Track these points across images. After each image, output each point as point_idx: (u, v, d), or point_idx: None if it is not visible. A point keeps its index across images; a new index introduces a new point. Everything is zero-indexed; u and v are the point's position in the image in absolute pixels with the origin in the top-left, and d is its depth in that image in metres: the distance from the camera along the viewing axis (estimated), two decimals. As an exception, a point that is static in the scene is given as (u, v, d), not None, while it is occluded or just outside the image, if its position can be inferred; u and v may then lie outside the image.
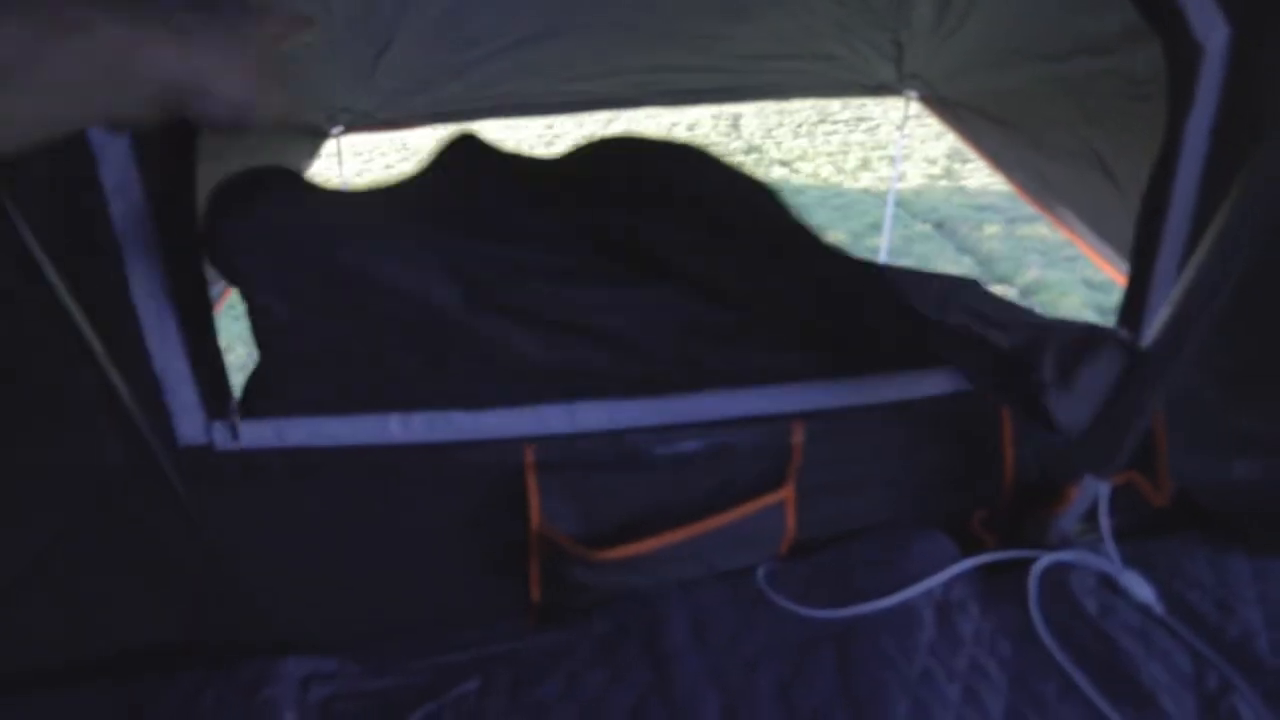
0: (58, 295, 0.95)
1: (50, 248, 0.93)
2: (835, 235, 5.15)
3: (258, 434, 1.11)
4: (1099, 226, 1.60)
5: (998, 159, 2.05)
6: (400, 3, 1.41)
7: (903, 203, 5.67)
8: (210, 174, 1.00)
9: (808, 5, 1.50)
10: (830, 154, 7.74)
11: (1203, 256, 1.01)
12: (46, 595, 1.13)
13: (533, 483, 1.14)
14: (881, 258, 2.59)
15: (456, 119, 2.26)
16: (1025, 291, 4.16)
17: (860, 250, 4.86)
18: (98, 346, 0.99)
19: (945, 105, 2.15)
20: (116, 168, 0.95)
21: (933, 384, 1.22)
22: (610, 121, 9.28)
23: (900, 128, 3.07)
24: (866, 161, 7.33)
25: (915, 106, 2.38)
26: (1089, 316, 3.73)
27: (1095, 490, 1.16)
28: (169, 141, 0.96)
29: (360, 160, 7.74)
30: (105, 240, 0.98)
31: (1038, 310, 3.92)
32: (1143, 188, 1.19)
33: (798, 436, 1.18)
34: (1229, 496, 1.27)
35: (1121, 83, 1.29)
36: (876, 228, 5.10)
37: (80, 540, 1.12)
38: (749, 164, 7.56)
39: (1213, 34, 1.06)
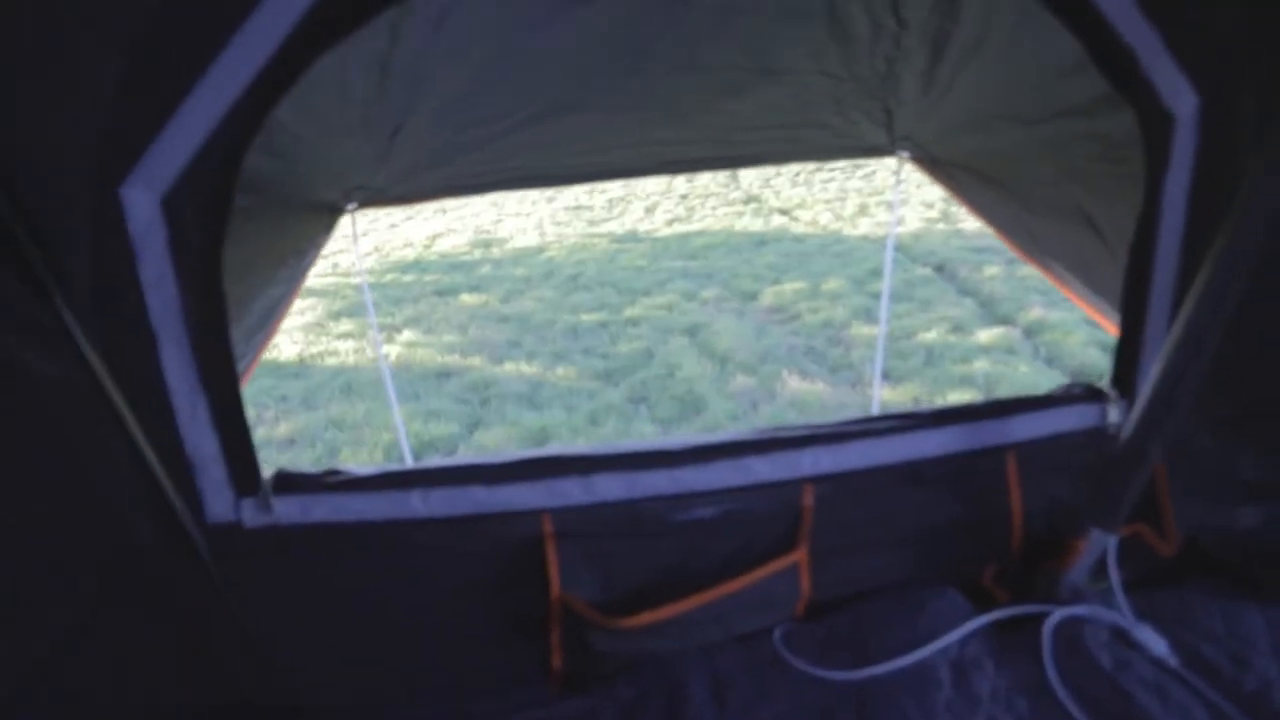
0: (100, 382, 1.00)
1: (93, 337, 0.98)
2: (836, 282, 5.22)
3: (284, 510, 1.15)
4: (1090, 281, 1.64)
5: (989, 215, 2.10)
6: (414, 86, 1.49)
7: (902, 247, 5.75)
8: (232, 255, 1.03)
9: (802, 81, 1.58)
10: (828, 201, 7.87)
11: (1189, 312, 1.05)
12: (78, 672, 1.15)
13: (552, 552, 1.16)
14: (883, 303, 2.63)
15: (468, 191, 2.34)
16: (1028, 331, 4.18)
17: (862, 295, 4.92)
18: (135, 429, 1.03)
19: (936, 165, 2.22)
20: (155, 263, 0.99)
21: (938, 443, 1.25)
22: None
23: (895, 172, 3.14)
24: (864, 207, 7.46)
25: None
26: (1093, 355, 3.75)
27: (1103, 543, 1.18)
28: (204, 232, 1.01)
29: (366, 221, 7.89)
30: (143, 330, 1.03)
31: (1042, 351, 3.84)
32: (1129, 242, 1.23)
33: (808, 499, 1.21)
34: (1237, 544, 1.29)
35: (1100, 146, 1.35)
36: (877, 273, 5.16)
37: (112, 616, 1.14)
38: (748, 213, 7.70)
39: (1182, 102, 1.12)
